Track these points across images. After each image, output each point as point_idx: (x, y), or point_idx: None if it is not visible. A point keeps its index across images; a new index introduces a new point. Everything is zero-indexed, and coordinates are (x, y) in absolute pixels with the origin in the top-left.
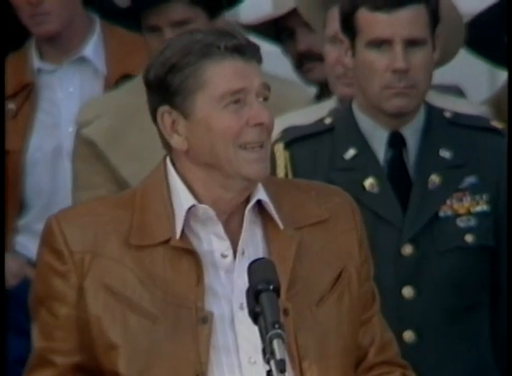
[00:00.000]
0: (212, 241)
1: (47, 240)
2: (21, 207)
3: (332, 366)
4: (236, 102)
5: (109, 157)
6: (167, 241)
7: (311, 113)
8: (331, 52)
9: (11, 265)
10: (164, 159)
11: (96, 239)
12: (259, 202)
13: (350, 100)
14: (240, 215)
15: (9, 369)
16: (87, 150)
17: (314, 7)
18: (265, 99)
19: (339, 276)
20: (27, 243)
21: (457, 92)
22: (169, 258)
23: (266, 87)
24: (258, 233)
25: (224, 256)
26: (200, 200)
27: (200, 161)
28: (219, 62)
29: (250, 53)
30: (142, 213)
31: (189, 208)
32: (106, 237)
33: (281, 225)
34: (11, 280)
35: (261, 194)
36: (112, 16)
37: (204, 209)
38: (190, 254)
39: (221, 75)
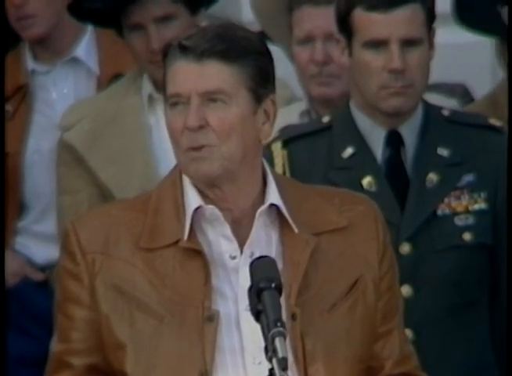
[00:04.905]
0: (221, 243)
1: (63, 244)
2: (20, 209)
3: (340, 373)
4: (176, 104)
5: (89, 161)
6: (177, 242)
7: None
8: (301, 53)
9: (11, 264)
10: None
11: (108, 240)
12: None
13: (337, 100)
14: (254, 217)
15: (9, 367)
16: (68, 155)
17: (272, 15)
18: (214, 100)
19: (354, 284)
20: (27, 243)
21: (463, 90)
22: (179, 259)
23: (216, 91)
24: (274, 236)
25: (232, 258)
26: (209, 201)
27: None
28: (173, 63)
29: (207, 53)
30: (155, 215)
31: (197, 209)
32: (118, 239)
33: (296, 229)
34: (11, 279)
35: (274, 198)
36: (89, 17)
37: (211, 209)
38: (198, 254)
39: (169, 77)
